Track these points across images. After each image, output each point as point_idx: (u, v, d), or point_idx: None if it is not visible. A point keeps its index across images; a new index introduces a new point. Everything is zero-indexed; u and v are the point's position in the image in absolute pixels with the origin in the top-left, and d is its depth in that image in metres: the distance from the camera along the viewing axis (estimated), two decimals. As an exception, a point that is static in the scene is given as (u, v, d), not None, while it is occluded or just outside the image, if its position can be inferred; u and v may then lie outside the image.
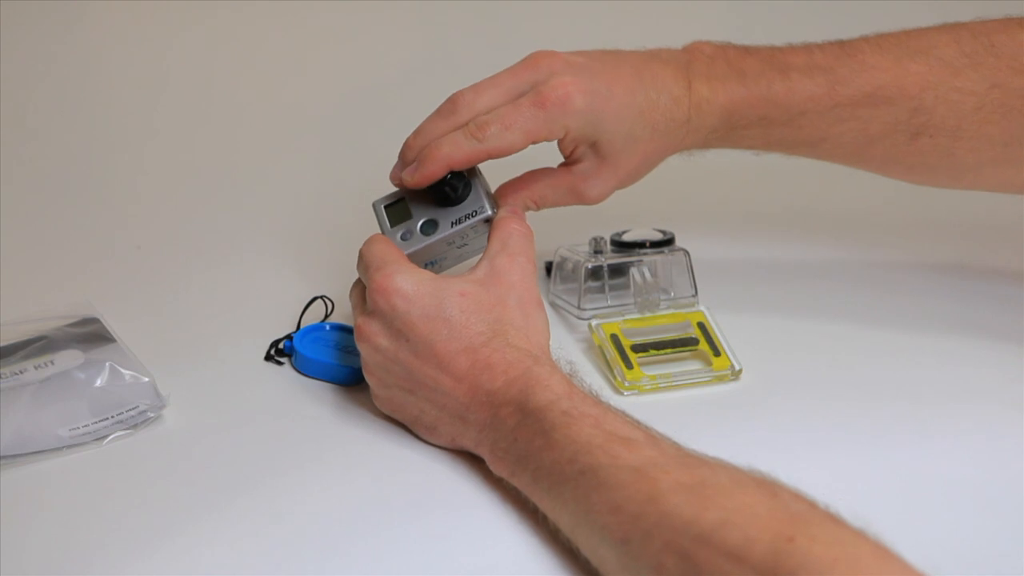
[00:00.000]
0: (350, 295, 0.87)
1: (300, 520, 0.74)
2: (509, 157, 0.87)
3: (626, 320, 0.93)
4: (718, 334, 0.91)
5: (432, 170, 0.86)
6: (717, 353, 0.90)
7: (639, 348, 0.90)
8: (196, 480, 0.78)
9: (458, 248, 0.89)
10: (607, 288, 0.97)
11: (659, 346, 0.91)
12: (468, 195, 0.87)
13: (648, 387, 0.88)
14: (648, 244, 0.97)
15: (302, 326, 0.94)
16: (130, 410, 0.83)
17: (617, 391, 0.88)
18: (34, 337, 0.88)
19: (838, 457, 0.80)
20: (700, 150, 0.95)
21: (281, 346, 0.93)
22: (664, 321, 0.94)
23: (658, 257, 0.97)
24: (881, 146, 0.92)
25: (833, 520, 0.60)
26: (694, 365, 0.91)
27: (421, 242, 0.87)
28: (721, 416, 0.85)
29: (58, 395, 0.83)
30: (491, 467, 0.76)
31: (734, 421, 0.85)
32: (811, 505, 0.61)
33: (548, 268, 1.01)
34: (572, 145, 0.90)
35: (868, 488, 0.76)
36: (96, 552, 0.71)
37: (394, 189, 0.90)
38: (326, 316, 0.96)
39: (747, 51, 0.93)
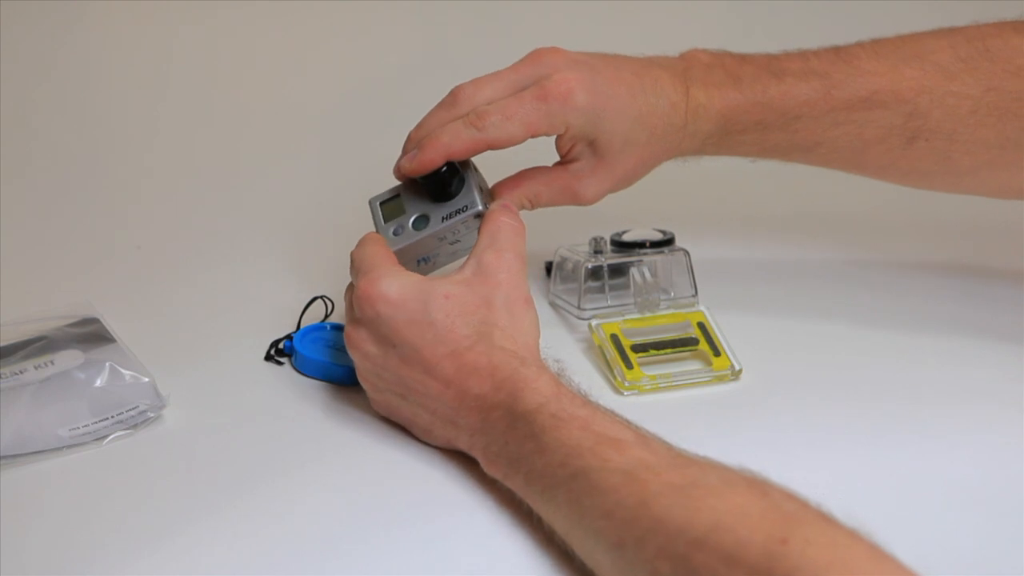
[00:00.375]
0: (344, 298, 0.87)
1: (300, 520, 0.74)
2: (505, 155, 0.87)
3: (626, 320, 0.93)
4: (718, 334, 0.91)
5: (431, 157, 0.85)
6: (717, 353, 0.90)
7: (639, 348, 0.90)
8: (196, 480, 0.78)
9: (450, 244, 0.89)
10: (607, 288, 0.97)
11: (659, 346, 0.91)
12: (461, 190, 0.87)
13: (648, 387, 0.88)
14: (648, 244, 0.97)
15: (302, 326, 0.94)
16: (130, 410, 0.83)
17: (617, 391, 0.88)
18: (34, 337, 0.87)
19: (838, 457, 0.80)
20: (695, 156, 0.95)
21: (281, 346, 0.93)
22: (664, 321, 0.94)
23: (658, 257, 0.97)
24: (877, 151, 0.92)
25: (826, 520, 0.60)
26: (694, 365, 0.91)
27: (412, 237, 0.87)
28: (721, 416, 0.85)
29: (58, 395, 0.83)
30: (485, 469, 0.75)
31: (734, 421, 0.85)
32: (803, 505, 0.61)
33: (548, 268, 1.01)
34: (570, 143, 0.90)
35: (868, 488, 0.76)
36: (96, 552, 0.71)
37: (393, 185, 0.90)
38: (326, 316, 0.96)
39: (743, 58, 0.93)
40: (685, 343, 0.92)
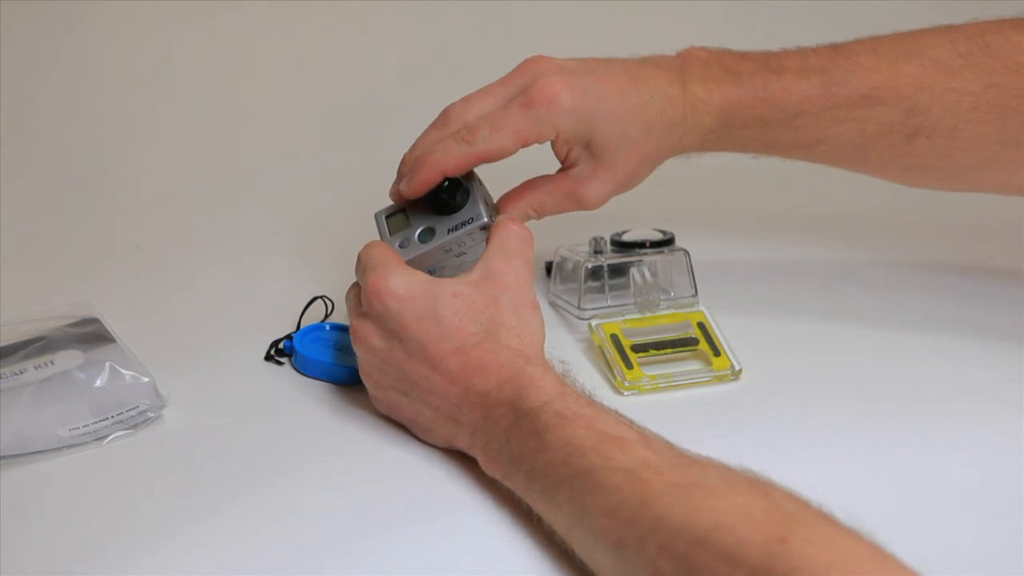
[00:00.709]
0: (346, 297, 0.87)
1: (300, 519, 0.74)
2: (513, 167, 0.87)
3: (626, 320, 0.93)
4: (718, 334, 0.91)
5: (426, 177, 0.86)
6: (717, 353, 0.90)
7: (639, 348, 0.90)
8: (196, 480, 0.78)
9: (456, 256, 0.89)
10: (607, 288, 0.97)
11: (659, 346, 0.91)
12: (466, 203, 0.87)
13: (648, 387, 0.88)
14: (648, 244, 0.98)
15: (302, 326, 0.94)
16: (130, 410, 0.83)
17: (617, 391, 0.88)
18: (34, 337, 0.87)
19: (838, 457, 0.80)
20: (697, 153, 0.95)
21: (281, 346, 0.93)
22: (664, 321, 0.94)
23: (658, 257, 0.97)
24: (878, 148, 0.92)
25: (827, 520, 0.60)
26: (694, 365, 0.91)
27: (418, 249, 0.87)
28: (721, 416, 0.85)
29: (58, 395, 0.83)
30: (484, 468, 0.75)
31: (734, 421, 0.85)
32: (804, 504, 0.61)
33: (548, 268, 1.01)
34: (565, 147, 0.90)
35: (868, 488, 0.76)
36: (96, 552, 0.71)
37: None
38: (326, 316, 0.96)
39: (742, 55, 0.93)
40: (685, 343, 0.92)
